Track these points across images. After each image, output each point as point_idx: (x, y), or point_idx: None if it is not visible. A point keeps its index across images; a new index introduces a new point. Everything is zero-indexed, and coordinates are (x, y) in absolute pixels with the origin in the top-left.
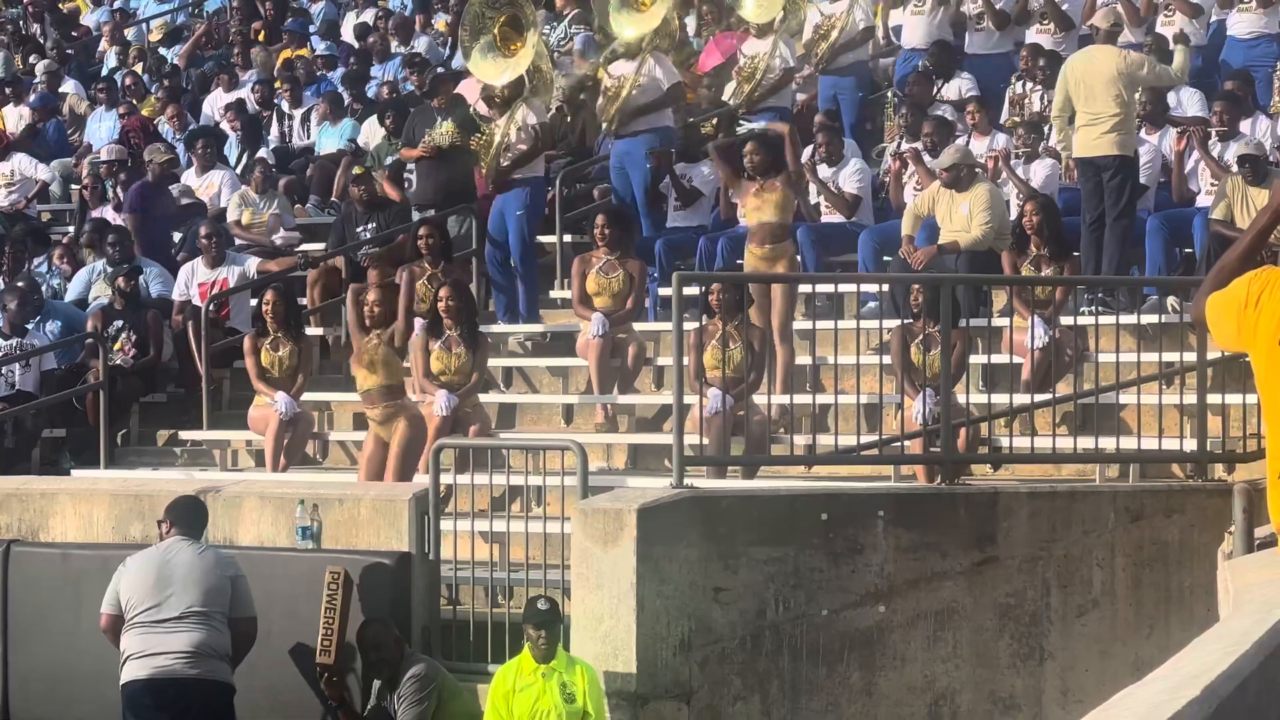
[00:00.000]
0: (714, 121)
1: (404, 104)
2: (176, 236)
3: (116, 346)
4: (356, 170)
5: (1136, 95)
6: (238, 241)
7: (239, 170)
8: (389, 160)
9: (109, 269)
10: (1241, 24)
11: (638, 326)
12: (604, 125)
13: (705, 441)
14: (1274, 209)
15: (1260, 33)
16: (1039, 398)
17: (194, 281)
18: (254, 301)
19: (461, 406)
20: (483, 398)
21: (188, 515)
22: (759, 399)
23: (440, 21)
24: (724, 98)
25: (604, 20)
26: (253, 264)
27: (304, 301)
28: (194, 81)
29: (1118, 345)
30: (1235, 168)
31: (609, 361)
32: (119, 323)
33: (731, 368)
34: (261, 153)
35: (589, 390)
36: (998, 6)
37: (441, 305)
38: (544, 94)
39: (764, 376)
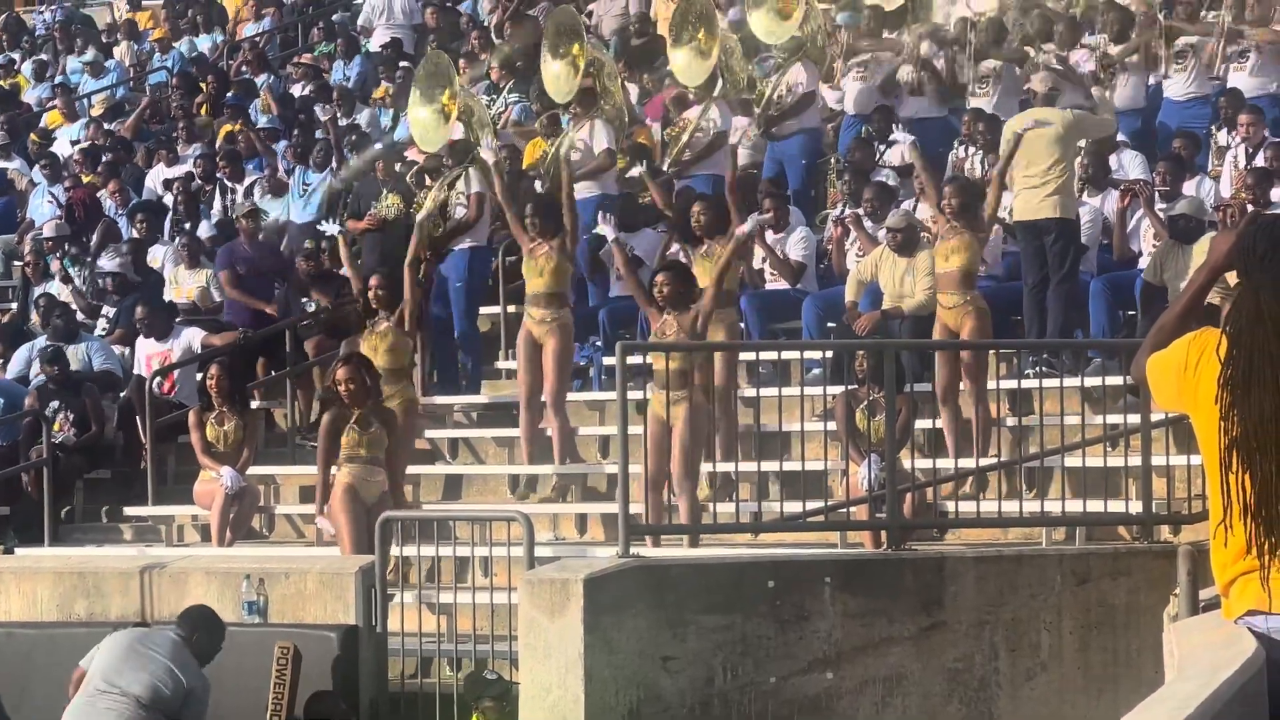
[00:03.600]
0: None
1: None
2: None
3: (56, 427)
4: (307, 244)
5: (1077, 159)
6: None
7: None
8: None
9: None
10: (1175, 86)
11: (581, 396)
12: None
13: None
14: (1211, 266)
15: (1194, 95)
16: (984, 462)
17: (141, 356)
18: (199, 376)
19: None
20: (428, 469)
21: (192, 621)
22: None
23: (380, 89)
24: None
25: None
26: (197, 337)
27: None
28: (138, 154)
29: (1062, 408)
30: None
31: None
32: (55, 403)
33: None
34: (202, 228)
35: (534, 461)
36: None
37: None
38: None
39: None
